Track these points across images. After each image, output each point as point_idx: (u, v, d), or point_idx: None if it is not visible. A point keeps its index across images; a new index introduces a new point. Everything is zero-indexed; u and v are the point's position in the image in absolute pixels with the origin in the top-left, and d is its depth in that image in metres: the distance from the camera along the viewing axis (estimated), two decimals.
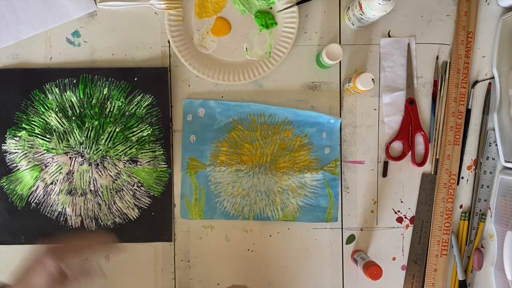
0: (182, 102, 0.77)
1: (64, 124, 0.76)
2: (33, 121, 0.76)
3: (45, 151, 0.76)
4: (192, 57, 0.76)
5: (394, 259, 0.80)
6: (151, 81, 0.76)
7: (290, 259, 0.79)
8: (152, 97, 0.76)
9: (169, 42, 0.76)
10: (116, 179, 0.77)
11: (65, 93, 0.75)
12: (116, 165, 0.76)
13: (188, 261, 0.79)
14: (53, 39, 0.76)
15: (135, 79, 0.76)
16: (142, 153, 0.76)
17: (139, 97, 0.76)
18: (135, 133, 0.76)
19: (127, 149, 0.76)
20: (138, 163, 0.77)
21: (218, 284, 0.79)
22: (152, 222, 0.77)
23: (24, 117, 0.75)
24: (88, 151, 0.76)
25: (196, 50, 0.77)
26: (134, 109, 0.76)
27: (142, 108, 0.76)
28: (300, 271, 0.80)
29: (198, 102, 0.77)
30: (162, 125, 0.76)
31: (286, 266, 0.79)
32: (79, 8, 0.75)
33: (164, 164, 0.77)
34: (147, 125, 0.76)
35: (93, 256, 0.63)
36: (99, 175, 0.76)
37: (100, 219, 0.77)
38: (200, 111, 0.78)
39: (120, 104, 0.76)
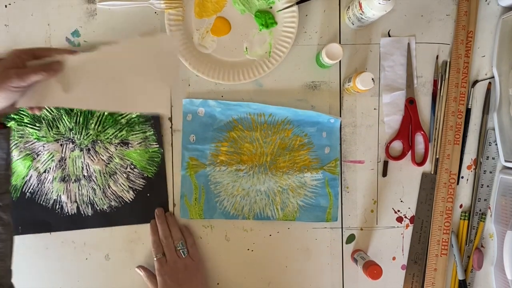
0: (182, 101, 0.77)
1: (53, 112, 0.75)
2: (21, 110, 0.75)
3: (35, 140, 0.76)
4: (192, 57, 0.76)
5: (394, 258, 0.80)
6: None
7: (290, 259, 0.79)
8: None
9: None
10: (108, 163, 0.77)
11: None
12: (107, 148, 0.76)
13: None
14: (53, 39, 0.76)
15: None
16: (132, 134, 0.76)
17: None
18: (124, 115, 0.76)
19: (117, 131, 0.76)
20: (130, 145, 0.77)
21: (218, 284, 0.79)
22: (148, 203, 0.77)
23: None
24: (78, 137, 0.76)
25: (196, 49, 0.77)
26: None
27: None
28: (300, 271, 0.79)
29: (198, 101, 0.77)
30: None
31: (286, 266, 0.79)
32: (150, 106, 0.68)
33: (156, 144, 0.77)
34: None
35: (55, 54, 0.61)
36: (91, 160, 0.76)
37: (96, 203, 0.77)
38: (200, 111, 0.78)
39: None
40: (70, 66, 0.62)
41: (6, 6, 0.76)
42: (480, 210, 0.79)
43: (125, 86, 0.64)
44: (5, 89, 0.56)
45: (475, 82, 0.79)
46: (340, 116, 0.79)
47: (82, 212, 0.77)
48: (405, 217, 0.80)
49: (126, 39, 0.63)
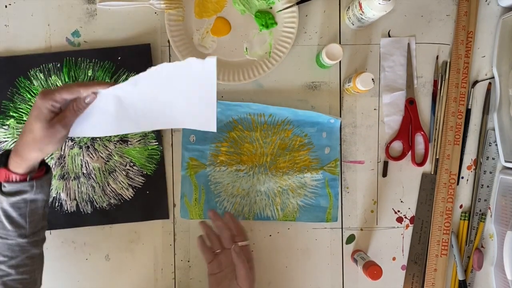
0: None
1: None
2: (20, 108, 0.75)
3: None
4: (192, 57, 0.76)
5: (394, 259, 0.80)
6: (134, 59, 0.75)
7: (290, 259, 0.79)
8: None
9: (169, 42, 0.76)
10: (108, 161, 0.77)
11: (50, 78, 0.75)
12: (106, 146, 0.76)
13: (188, 261, 0.79)
14: (53, 39, 0.76)
15: (119, 58, 0.76)
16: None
17: (124, 76, 0.76)
18: None
19: None
20: (129, 142, 0.77)
21: None
22: (148, 200, 0.77)
23: (11, 105, 0.75)
24: None
25: (196, 50, 0.77)
26: None
27: None
28: (300, 271, 0.79)
29: None
30: None
31: (286, 266, 0.79)
32: (199, 123, 0.66)
33: (155, 142, 0.77)
34: None
35: (84, 90, 0.61)
36: (91, 157, 0.76)
37: (95, 201, 0.77)
38: None
39: None
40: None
41: (6, 6, 0.76)
42: (480, 211, 0.79)
43: (168, 106, 0.64)
44: (56, 142, 0.60)
45: (475, 82, 0.79)
46: (340, 116, 0.79)
47: (82, 210, 0.77)
48: (405, 217, 0.80)
49: (160, 65, 0.62)
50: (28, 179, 0.60)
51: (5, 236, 0.61)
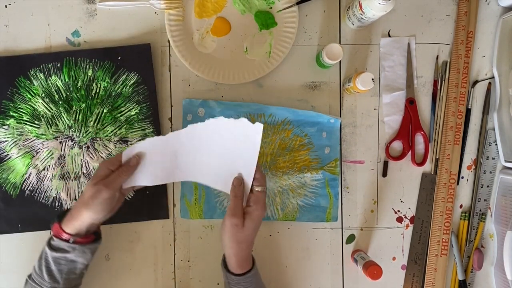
0: (182, 102, 0.77)
1: (52, 109, 0.76)
2: (20, 108, 0.75)
3: (34, 138, 0.76)
4: (192, 57, 0.76)
5: (394, 258, 0.80)
6: (134, 59, 0.76)
7: (290, 259, 0.79)
8: (137, 75, 0.76)
9: (169, 42, 0.76)
10: None
11: (50, 78, 0.75)
12: (106, 146, 0.76)
13: (188, 261, 0.79)
14: (53, 39, 0.76)
15: (119, 58, 0.76)
16: (132, 132, 0.77)
17: (124, 76, 0.76)
18: (123, 112, 0.76)
19: (116, 129, 0.76)
20: (129, 142, 0.77)
21: (218, 284, 0.79)
22: (148, 200, 0.77)
23: (11, 105, 0.75)
24: (77, 134, 0.76)
25: (196, 50, 0.77)
26: (120, 89, 0.76)
27: (128, 87, 0.76)
28: (300, 271, 0.79)
29: (198, 102, 0.77)
30: (150, 102, 0.76)
31: (286, 266, 0.79)
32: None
33: None
34: (135, 104, 0.76)
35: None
36: (91, 157, 0.76)
37: None
38: (200, 111, 0.77)
39: (105, 84, 0.76)
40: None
41: (6, 6, 0.76)
42: (480, 210, 0.79)
43: (214, 162, 0.68)
44: (101, 203, 0.63)
45: (475, 82, 0.79)
46: (340, 116, 0.79)
47: None
48: (405, 217, 0.80)
49: (211, 120, 0.67)
50: (71, 241, 0.64)
51: (40, 283, 0.65)
